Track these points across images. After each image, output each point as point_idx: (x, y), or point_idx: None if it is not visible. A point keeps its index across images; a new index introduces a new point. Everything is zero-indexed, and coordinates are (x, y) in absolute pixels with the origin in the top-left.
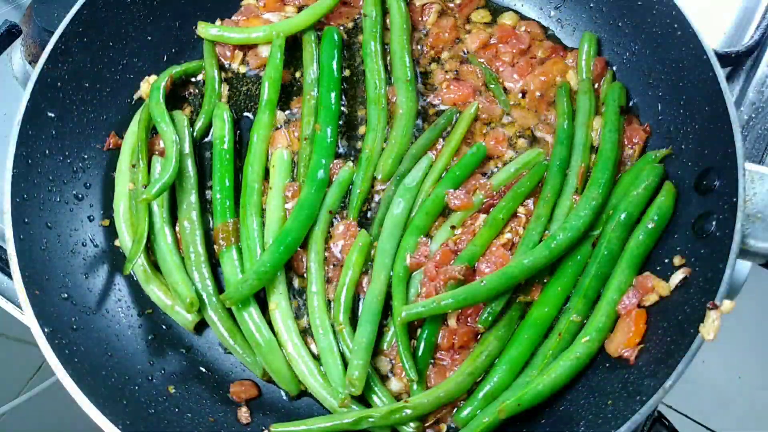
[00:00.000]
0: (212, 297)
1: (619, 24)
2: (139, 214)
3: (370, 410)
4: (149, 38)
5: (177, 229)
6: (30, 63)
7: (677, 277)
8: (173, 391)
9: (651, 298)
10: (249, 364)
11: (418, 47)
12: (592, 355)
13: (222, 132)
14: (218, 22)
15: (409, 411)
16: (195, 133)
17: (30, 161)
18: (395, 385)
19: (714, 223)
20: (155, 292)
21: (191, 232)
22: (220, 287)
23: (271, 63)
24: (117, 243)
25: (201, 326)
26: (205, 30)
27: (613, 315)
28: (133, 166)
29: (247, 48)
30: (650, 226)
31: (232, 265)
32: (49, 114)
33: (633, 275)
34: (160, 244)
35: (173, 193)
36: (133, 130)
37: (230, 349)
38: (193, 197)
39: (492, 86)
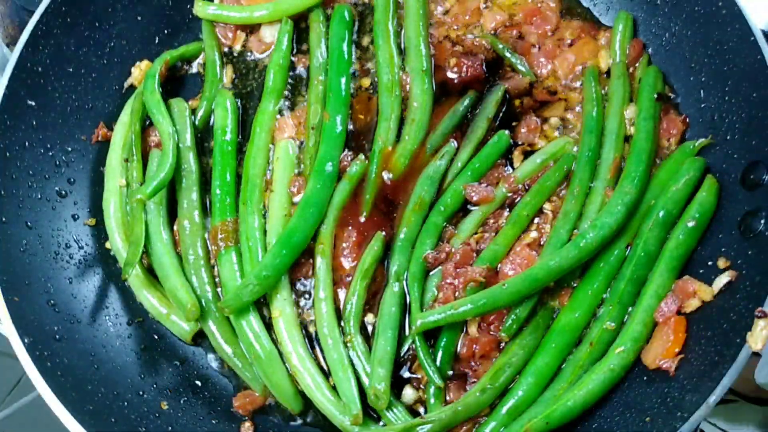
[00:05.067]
0: (211, 304)
1: (657, 2)
2: (134, 213)
3: (384, 429)
4: (139, 18)
5: (174, 228)
6: (8, 46)
7: (721, 281)
8: (166, 407)
9: (692, 304)
10: (249, 380)
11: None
12: (627, 367)
13: (224, 121)
14: (217, 0)
15: (425, 428)
16: (197, 123)
17: (8, 154)
18: (409, 394)
19: (762, 221)
20: (149, 299)
21: (191, 232)
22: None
23: (278, 49)
24: (107, 245)
25: (197, 336)
26: (202, 8)
27: (650, 323)
28: (126, 160)
29: (249, 29)
30: (691, 224)
31: (231, 269)
32: (29, 102)
33: (672, 279)
34: (157, 245)
35: (172, 189)
36: (124, 121)
37: (229, 363)
38: (195, 194)
39: (507, 55)
